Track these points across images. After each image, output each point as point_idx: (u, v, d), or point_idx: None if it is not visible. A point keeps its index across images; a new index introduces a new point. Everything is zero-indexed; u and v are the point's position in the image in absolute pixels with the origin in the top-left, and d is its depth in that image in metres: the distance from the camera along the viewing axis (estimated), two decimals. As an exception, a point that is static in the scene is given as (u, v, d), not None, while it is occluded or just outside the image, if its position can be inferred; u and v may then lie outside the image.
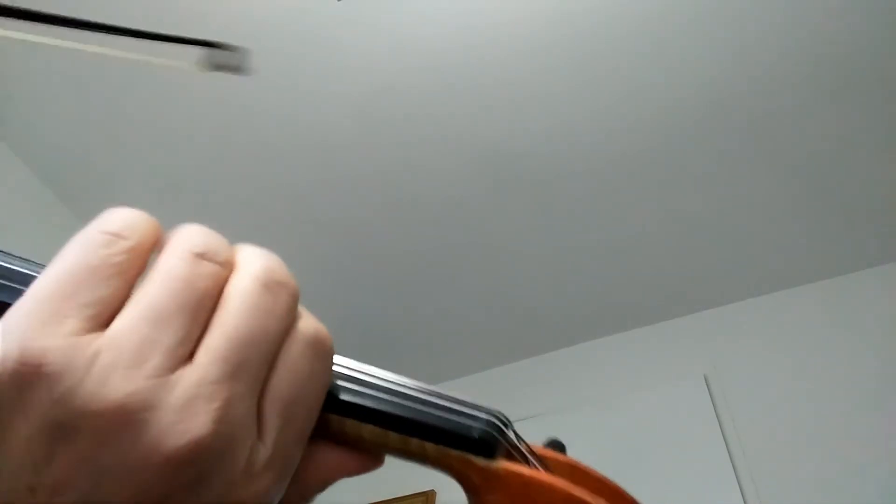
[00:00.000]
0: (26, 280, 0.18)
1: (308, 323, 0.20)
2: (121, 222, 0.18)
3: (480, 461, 0.22)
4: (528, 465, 0.23)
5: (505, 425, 0.23)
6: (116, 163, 2.11)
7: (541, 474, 0.22)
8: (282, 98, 1.96)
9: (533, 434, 0.27)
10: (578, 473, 0.25)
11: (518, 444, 0.24)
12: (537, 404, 2.45)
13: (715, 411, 2.29)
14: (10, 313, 0.16)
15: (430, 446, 0.22)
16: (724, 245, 2.35)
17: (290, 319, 0.19)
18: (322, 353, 0.20)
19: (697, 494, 2.09)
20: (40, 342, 0.15)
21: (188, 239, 0.19)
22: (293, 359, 0.19)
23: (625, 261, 2.41)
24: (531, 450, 0.25)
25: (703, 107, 1.98)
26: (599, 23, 1.81)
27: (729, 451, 2.19)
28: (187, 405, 0.16)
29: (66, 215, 2.17)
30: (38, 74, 1.89)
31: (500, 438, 0.23)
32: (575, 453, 0.27)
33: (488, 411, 0.23)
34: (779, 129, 2.02)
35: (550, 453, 0.26)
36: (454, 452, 0.22)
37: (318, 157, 2.10)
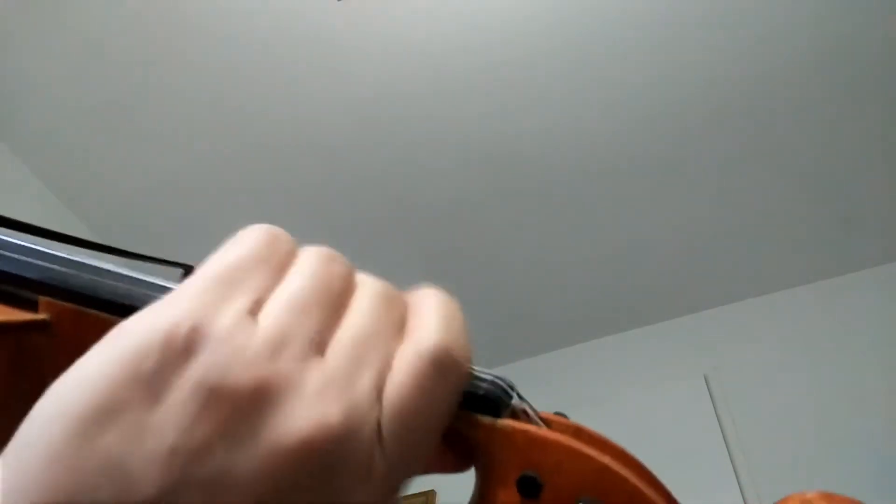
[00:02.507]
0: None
1: (426, 336, 0.20)
2: (277, 230, 0.21)
3: (486, 420, 0.22)
4: (533, 424, 0.23)
5: (510, 388, 0.24)
6: (117, 163, 2.11)
7: (544, 430, 0.23)
8: (281, 98, 1.96)
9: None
10: (584, 434, 0.25)
11: (523, 405, 0.24)
12: (537, 404, 2.43)
13: (715, 411, 2.29)
14: (186, 286, 0.18)
15: None
16: (724, 245, 2.35)
17: (401, 327, 0.21)
18: (435, 368, 0.20)
19: (697, 494, 2.08)
20: (211, 314, 0.17)
21: (319, 248, 0.21)
22: (403, 367, 0.19)
23: (625, 261, 2.41)
24: (536, 412, 0.25)
25: (704, 108, 1.98)
26: (600, 24, 1.81)
27: (729, 451, 2.19)
28: (321, 392, 0.17)
29: (66, 215, 2.17)
30: (39, 74, 1.89)
31: (504, 398, 0.23)
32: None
33: (493, 375, 0.24)
34: (779, 130, 2.02)
35: (556, 417, 0.26)
36: (460, 412, 0.22)
37: (317, 157, 2.10)
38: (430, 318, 0.21)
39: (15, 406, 0.18)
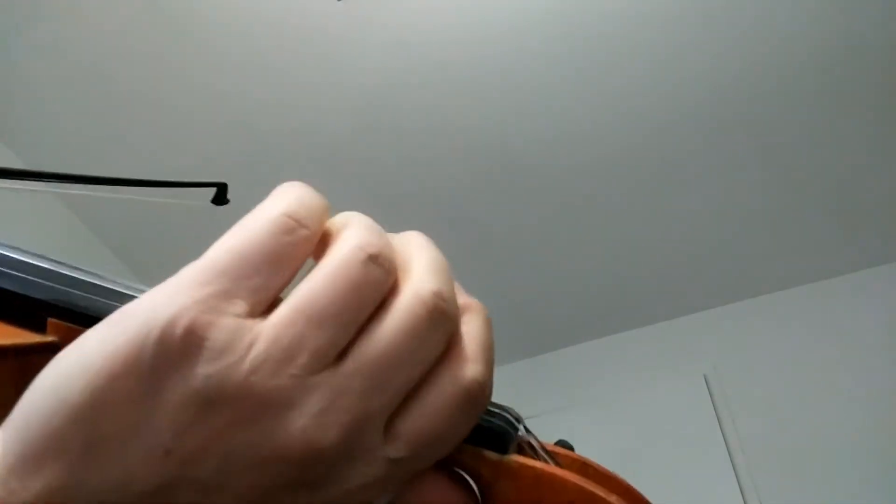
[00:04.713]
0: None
1: (466, 369, 0.18)
2: (304, 207, 0.18)
3: (493, 456, 0.22)
4: (540, 460, 0.23)
5: (517, 420, 0.24)
6: (117, 163, 2.10)
7: (552, 468, 0.22)
8: (282, 97, 1.96)
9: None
10: (590, 470, 0.25)
11: (530, 439, 0.24)
12: (537, 404, 2.44)
13: (715, 411, 2.29)
14: (184, 275, 0.17)
15: None
16: (724, 245, 2.35)
17: (440, 352, 0.18)
18: (469, 406, 0.18)
19: (697, 494, 2.09)
20: (209, 316, 0.16)
21: (362, 235, 0.18)
22: (436, 398, 0.18)
23: (625, 260, 2.41)
24: (543, 446, 0.24)
25: (704, 107, 1.98)
26: (600, 22, 1.81)
27: (729, 451, 2.19)
28: (322, 412, 0.16)
29: (67, 216, 2.17)
30: (39, 75, 1.89)
31: (512, 433, 0.23)
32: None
33: (500, 407, 0.23)
34: (778, 130, 2.02)
35: (561, 450, 0.26)
36: (467, 447, 0.21)
37: (317, 156, 2.10)
38: (472, 347, 0.19)
39: None
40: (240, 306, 0.16)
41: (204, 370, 0.16)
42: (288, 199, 0.18)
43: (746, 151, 2.08)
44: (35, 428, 0.15)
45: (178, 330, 0.16)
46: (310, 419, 0.16)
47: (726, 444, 2.20)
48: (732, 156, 2.09)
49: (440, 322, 0.18)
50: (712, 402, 2.31)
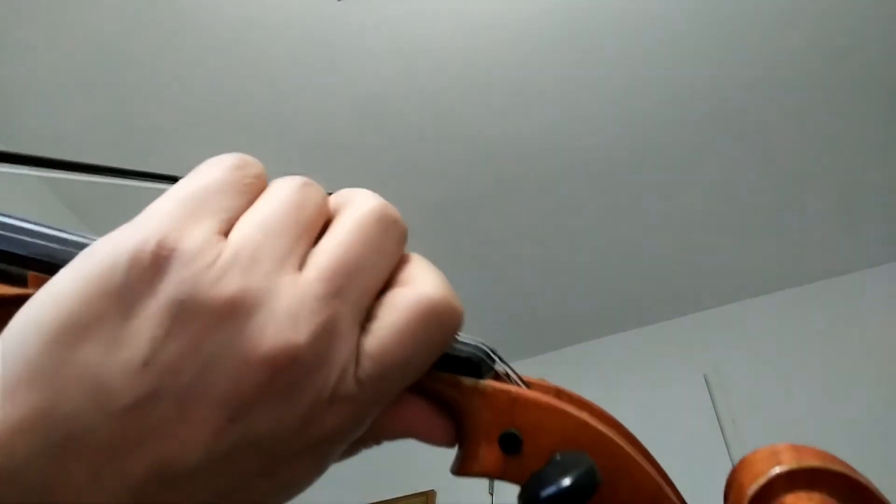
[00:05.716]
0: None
1: (428, 286, 0.20)
2: (246, 156, 0.21)
3: (469, 381, 0.23)
4: (514, 385, 0.24)
5: (493, 351, 0.24)
6: (117, 163, 2.11)
7: (526, 391, 0.23)
8: (282, 98, 1.96)
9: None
10: (563, 396, 0.26)
11: (506, 369, 0.25)
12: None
13: (715, 411, 2.29)
14: (155, 205, 0.18)
15: None
16: (723, 245, 2.35)
17: (395, 261, 0.20)
18: (434, 322, 0.19)
19: (697, 495, 2.08)
20: (178, 232, 0.17)
21: (293, 176, 0.21)
22: (399, 314, 0.19)
23: (625, 261, 2.41)
24: (519, 376, 0.25)
25: (704, 107, 1.98)
26: (600, 22, 1.81)
27: (729, 452, 2.19)
28: (291, 312, 0.17)
29: (67, 216, 2.17)
30: (39, 75, 1.89)
31: (488, 362, 0.24)
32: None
33: (475, 339, 0.24)
34: (779, 130, 2.02)
35: (537, 380, 0.26)
36: (444, 375, 0.22)
37: (317, 156, 2.10)
38: (427, 271, 0.21)
39: None
40: (206, 224, 0.18)
41: (177, 276, 0.16)
42: (231, 153, 0.21)
43: (747, 152, 2.08)
44: (9, 357, 0.16)
45: (149, 247, 0.17)
46: (282, 319, 0.17)
47: (726, 444, 2.20)
48: (733, 156, 2.09)
49: (389, 226, 0.20)
50: (712, 402, 2.31)
